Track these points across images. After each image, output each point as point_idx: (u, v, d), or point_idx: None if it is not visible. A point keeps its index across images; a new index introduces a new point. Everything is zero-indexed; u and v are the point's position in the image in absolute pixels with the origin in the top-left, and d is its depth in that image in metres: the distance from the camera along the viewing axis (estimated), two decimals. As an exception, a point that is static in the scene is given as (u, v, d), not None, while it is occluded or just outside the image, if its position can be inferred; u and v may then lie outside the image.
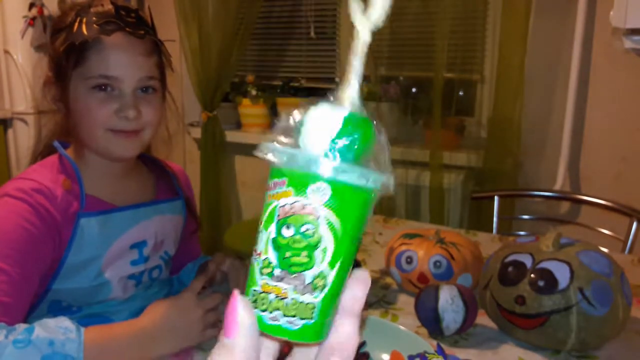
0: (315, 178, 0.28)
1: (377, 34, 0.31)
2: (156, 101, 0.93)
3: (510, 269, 0.86)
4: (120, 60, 0.87)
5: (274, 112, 2.67)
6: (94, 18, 0.86)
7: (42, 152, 0.98)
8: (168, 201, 1.03)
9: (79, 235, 0.87)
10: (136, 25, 0.89)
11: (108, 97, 0.87)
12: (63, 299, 0.89)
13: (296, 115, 0.30)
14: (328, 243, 0.28)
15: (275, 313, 0.29)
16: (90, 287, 0.90)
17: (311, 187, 0.28)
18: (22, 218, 0.82)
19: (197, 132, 2.71)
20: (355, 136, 0.29)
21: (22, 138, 2.44)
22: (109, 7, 0.88)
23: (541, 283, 0.81)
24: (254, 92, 2.60)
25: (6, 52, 2.38)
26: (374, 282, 1.12)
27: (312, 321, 0.29)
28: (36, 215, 0.83)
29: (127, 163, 0.97)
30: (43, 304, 0.89)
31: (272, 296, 0.29)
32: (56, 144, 0.92)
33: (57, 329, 0.73)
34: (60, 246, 0.86)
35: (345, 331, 0.30)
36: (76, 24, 0.86)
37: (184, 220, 1.07)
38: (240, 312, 0.28)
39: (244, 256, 1.07)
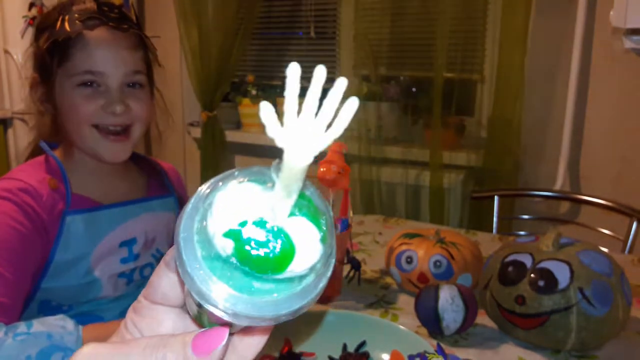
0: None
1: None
2: (144, 96, 0.93)
3: (510, 269, 0.86)
4: (105, 55, 0.87)
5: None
6: (77, 15, 0.87)
7: (33, 152, 0.99)
8: (158, 198, 1.02)
9: (65, 234, 0.87)
10: (119, 20, 0.89)
11: (94, 93, 0.88)
12: (53, 298, 0.89)
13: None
14: None
15: None
16: (79, 285, 0.90)
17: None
18: (10, 218, 0.81)
19: (197, 132, 2.71)
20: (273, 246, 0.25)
21: (22, 138, 2.44)
22: (90, 3, 0.89)
23: (541, 283, 0.81)
24: (254, 92, 2.60)
25: (6, 52, 2.38)
26: (374, 282, 1.12)
27: None
28: (23, 215, 0.83)
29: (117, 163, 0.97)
30: (33, 303, 0.89)
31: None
32: (42, 144, 0.92)
33: (55, 324, 0.73)
34: (48, 245, 0.86)
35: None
36: (59, 22, 0.87)
37: (176, 218, 1.06)
38: (222, 344, 0.29)
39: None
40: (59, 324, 0.73)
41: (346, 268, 1.07)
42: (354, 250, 1.25)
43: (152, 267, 1.00)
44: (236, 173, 0.27)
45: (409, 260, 1.02)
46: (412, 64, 2.31)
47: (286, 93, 0.25)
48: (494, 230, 1.67)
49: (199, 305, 0.27)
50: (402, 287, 1.07)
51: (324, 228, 0.26)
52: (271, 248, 0.25)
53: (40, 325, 0.72)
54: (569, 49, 1.93)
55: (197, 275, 0.25)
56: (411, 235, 1.07)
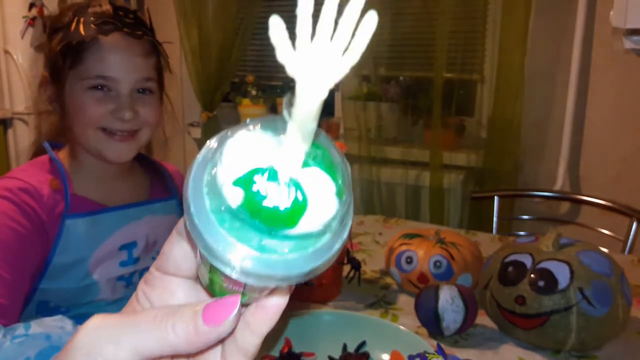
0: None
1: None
2: (153, 102, 0.93)
3: (510, 269, 0.86)
4: (118, 61, 0.87)
5: (274, 112, 2.67)
6: (92, 18, 0.86)
7: (37, 152, 0.98)
8: (161, 201, 1.02)
9: (64, 236, 0.87)
10: (134, 25, 0.89)
11: (105, 97, 0.87)
12: (50, 299, 0.89)
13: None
14: None
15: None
16: (77, 288, 0.89)
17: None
18: (9, 218, 0.81)
19: (197, 132, 2.72)
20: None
21: (22, 138, 2.44)
22: (107, 7, 0.88)
23: (541, 283, 0.81)
24: (254, 92, 2.60)
25: (6, 52, 2.38)
26: (374, 282, 1.12)
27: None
28: (23, 215, 0.82)
29: (121, 164, 0.96)
30: (31, 304, 0.88)
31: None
32: (46, 144, 0.92)
33: (54, 324, 0.73)
34: (47, 246, 0.86)
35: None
36: (74, 24, 0.86)
37: (178, 220, 1.05)
38: (234, 314, 0.28)
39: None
40: (58, 325, 0.73)
41: (346, 268, 1.07)
42: (354, 251, 1.25)
43: None
44: (247, 121, 0.25)
45: (409, 260, 1.02)
46: (412, 64, 2.31)
47: (298, 12, 0.22)
48: (494, 231, 1.67)
49: (205, 259, 0.25)
50: (402, 288, 1.07)
51: (340, 181, 0.24)
52: (282, 199, 0.23)
53: (39, 326, 0.72)
54: (569, 49, 1.93)
55: (204, 228, 0.23)
56: (411, 236, 1.07)
